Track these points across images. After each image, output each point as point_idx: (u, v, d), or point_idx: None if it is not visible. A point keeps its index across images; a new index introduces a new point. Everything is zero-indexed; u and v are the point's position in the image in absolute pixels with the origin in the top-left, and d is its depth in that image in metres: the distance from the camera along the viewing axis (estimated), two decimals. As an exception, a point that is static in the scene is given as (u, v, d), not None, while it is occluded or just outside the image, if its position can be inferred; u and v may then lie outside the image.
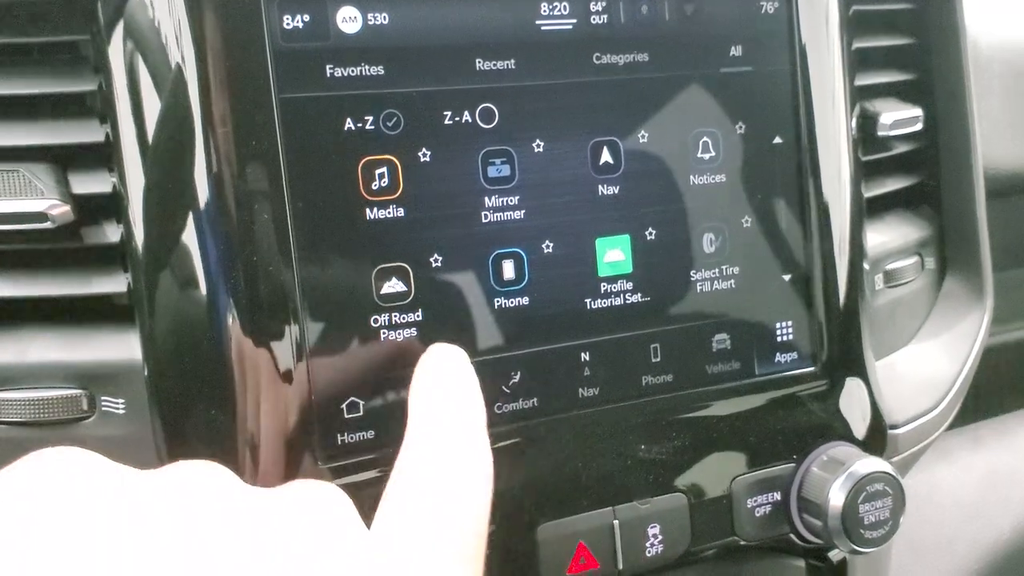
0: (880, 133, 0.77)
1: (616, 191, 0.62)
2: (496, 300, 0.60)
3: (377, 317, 0.57)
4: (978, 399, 1.04)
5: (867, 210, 0.77)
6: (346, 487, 0.56)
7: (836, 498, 0.64)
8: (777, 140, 0.66)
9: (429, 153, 0.58)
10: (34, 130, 0.56)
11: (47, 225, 0.55)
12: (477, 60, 0.58)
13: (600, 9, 0.61)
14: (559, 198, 0.61)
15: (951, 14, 0.82)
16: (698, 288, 0.65)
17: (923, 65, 0.83)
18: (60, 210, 0.55)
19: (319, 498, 0.44)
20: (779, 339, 0.67)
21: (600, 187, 0.62)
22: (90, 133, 0.57)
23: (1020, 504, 0.93)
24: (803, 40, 0.66)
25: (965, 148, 0.83)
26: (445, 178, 0.58)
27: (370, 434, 0.57)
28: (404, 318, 0.58)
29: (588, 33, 0.61)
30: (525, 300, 0.60)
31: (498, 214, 0.60)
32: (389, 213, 0.57)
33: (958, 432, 0.98)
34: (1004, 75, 0.95)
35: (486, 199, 0.59)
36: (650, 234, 0.63)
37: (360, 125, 0.56)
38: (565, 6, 0.60)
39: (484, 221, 0.59)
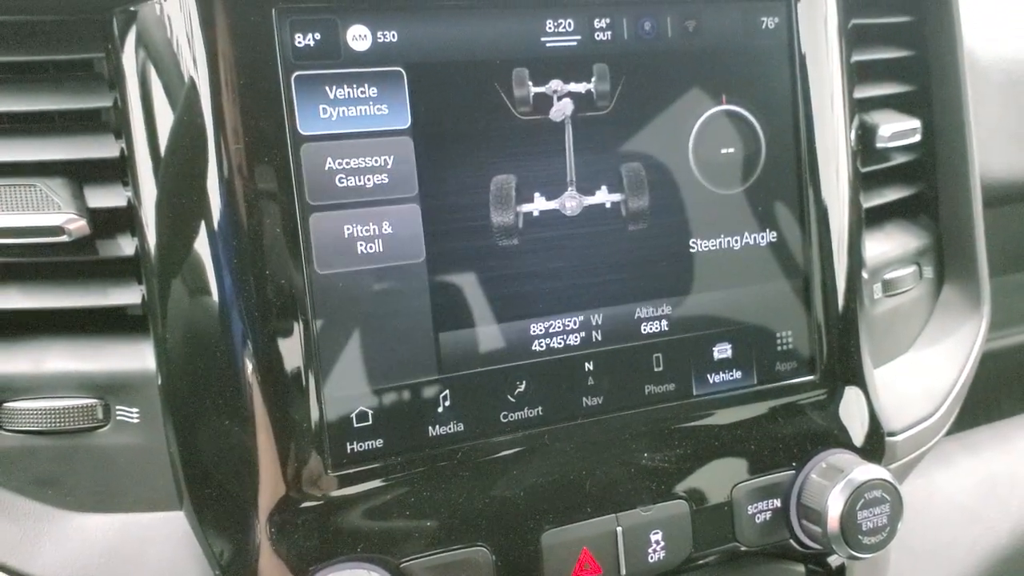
0: (879, 145, 0.78)
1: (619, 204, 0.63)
2: (503, 312, 0.61)
3: (386, 328, 0.58)
4: (976, 403, 1.05)
5: (866, 220, 0.78)
6: (355, 495, 0.57)
7: (835, 505, 0.65)
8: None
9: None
10: (51, 145, 0.58)
11: (63, 239, 0.56)
12: (483, 77, 0.60)
13: (604, 26, 0.62)
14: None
15: (949, 27, 0.83)
16: (700, 299, 0.66)
17: (921, 77, 0.84)
18: (76, 224, 0.56)
19: None
20: (779, 348, 0.68)
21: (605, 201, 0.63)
22: (105, 148, 0.58)
23: (1018, 508, 0.94)
24: (803, 54, 0.68)
25: (962, 159, 0.84)
26: (457, 190, 0.59)
27: (379, 443, 0.58)
28: (412, 329, 0.59)
29: (592, 49, 0.62)
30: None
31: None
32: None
33: (956, 437, 0.99)
34: (1002, 84, 0.96)
35: (492, 212, 0.60)
36: (653, 248, 0.64)
37: (370, 140, 0.58)
38: (570, 23, 0.61)
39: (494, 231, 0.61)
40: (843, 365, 0.70)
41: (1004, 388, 1.25)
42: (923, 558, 0.88)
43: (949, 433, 0.86)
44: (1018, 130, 0.96)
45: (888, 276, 0.80)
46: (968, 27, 0.87)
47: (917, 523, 0.90)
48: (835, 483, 0.66)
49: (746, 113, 0.66)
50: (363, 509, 0.58)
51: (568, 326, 0.63)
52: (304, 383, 0.56)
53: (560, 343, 0.63)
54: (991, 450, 0.97)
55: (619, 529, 0.63)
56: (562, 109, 0.61)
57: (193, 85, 0.54)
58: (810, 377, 0.69)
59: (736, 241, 0.67)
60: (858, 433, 0.71)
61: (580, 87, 0.62)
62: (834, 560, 0.74)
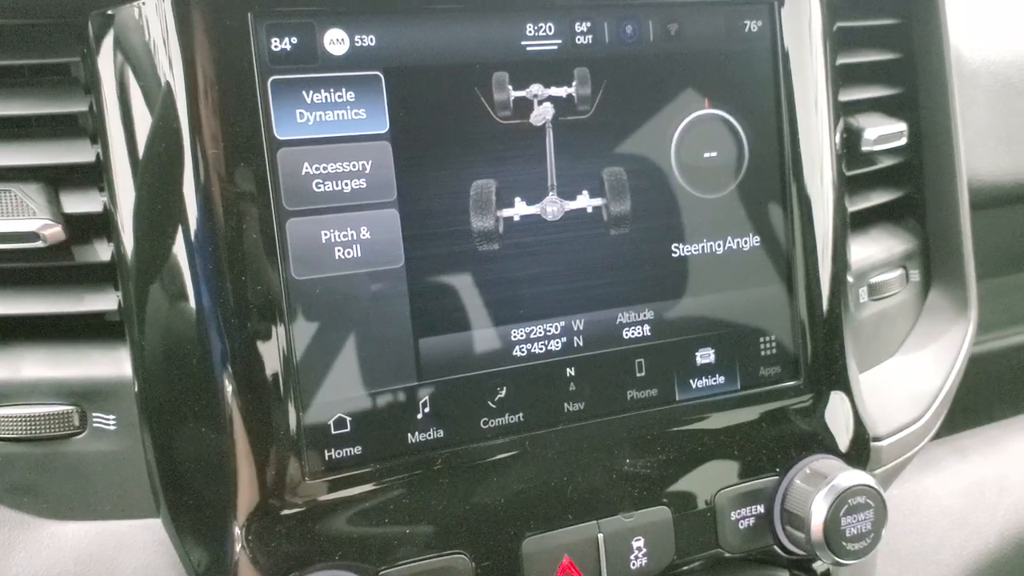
0: (864, 148, 0.77)
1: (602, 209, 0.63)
2: (483, 317, 0.61)
3: (364, 334, 0.58)
4: (967, 406, 1.05)
5: (852, 223, 0.78)
6: (333, 503, 0.57)
7: (818, 511, 0.65)
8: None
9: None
10: (26, 150, 0.57)
11: (39, 244, 0.56)
12: (463, 81, 0.59)
13: (585, 30, 0.62)
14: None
15: (935, 29, 0.83)
16: (682, 303, 0.66)
17: (908, 80, 0.84)
18: (52, 230, 0.56)
19: None
20: (763, 353, 0.68)
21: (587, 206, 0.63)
22: (81, 153, 0.57)
23: (1006, 512, 0.93)
24: (786, 57, 0.67)
25: (949, 162, 0.83)
26: (436, 195, 0.59)
27: (357, 450, 0.58)
28: (391, 335, 0.59)
29: (573, 53, 0.62)
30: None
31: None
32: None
33: (945, 441, 0.99)
34: (990, 87, 0.96)
35: (472, 216, 0.60)
36: (636, 252, 0.64)
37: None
38: (550, 27, 0.61)
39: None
40: (828, 370, 0.70)
41: (996, 391, 1.25)
42: (910, 562, 0.88)
43: (939, 436, 0.86)
44: (1006, 132, 0.96)
45: (874, 280, 0.80)
46: (956, 29, 0.87)
47: (905, 527, 0.90)
48: (819, 489, 0.65)
49: (729, 117, 0.66)
50: (341, 517, 0.57)
51: (549, 331, 0.62)
52: (281, 390, 0.56)
53: (541, 348, 0.62)
54: (979, 454, 0.97)
55: (601, 536, 0.62)
56: (543, 113, 0.61)
57: (169, 90, 0.54)
58: (794, 382, 0.69)
59: (719, 245, 0.66)
60: (843, 438, 0.70)
61: (561, 91, 0.61)
62: (819, 566, 0.73)
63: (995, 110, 0.95)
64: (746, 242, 0.67)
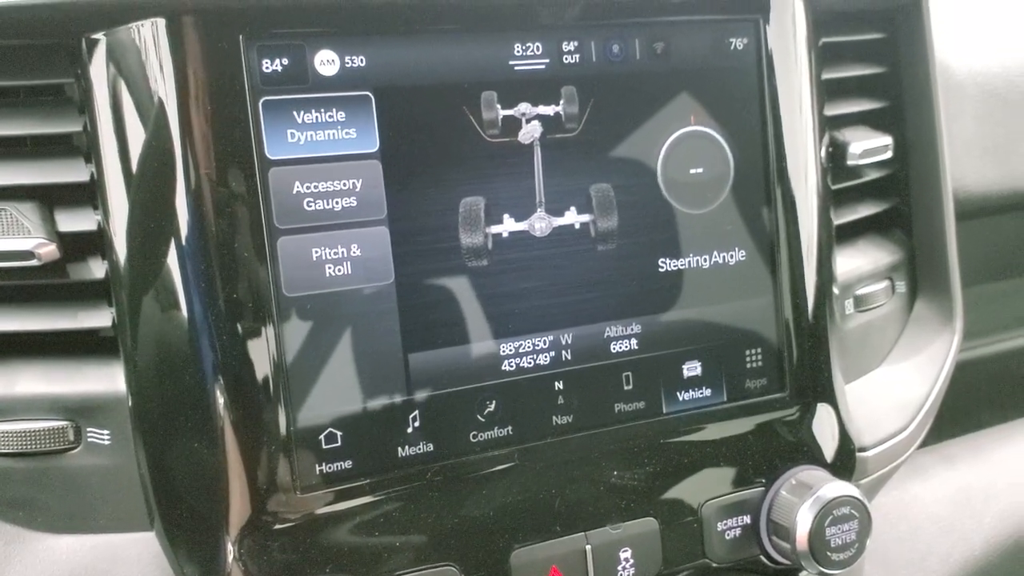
0: (850, 162, 0.78)
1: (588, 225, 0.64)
2: (473, 332, 0.61)
3: (355, 350, 0.59)
4: (956, 413, 1.06)
5: (839, 236, 0.78)
6: (323, 516, 0.58)
7: (803, 521, 0.66)
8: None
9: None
10: (21, 170, 0.58)
11: (34, 263, 0.57)
12: (451, 100, 0.60)
13: (572, 49, 0.63)
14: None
15: (920, 43, 0.83)
16: (669, 317, 0.66)
17: (893, 93, 0.85)
18: (47, 249, 0.57)
19: None
20: (748, 366, 0.69)
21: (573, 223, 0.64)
22: (75, 172, 0.58)
23: (992, 519, 0.94)
24: (772, 74, 0.68)
25: (935, 174, 0.84)
26: (426, 212, 0.60)
27: (348, 464, 0.59)
28: (381, 351, 0.59)
29: (561, 72, 0.62)
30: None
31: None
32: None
33: (932, 449, 0.99)
34: (976, 98, 0.97)
35: (462, 233, 0.61)
36: (623, 267, 0.65)
37: (338, 164, 0.58)
38: (538, 46, 0.62)
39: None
40: (813, 382, 0.71)
41: (984, 396, 1.26)
42: (898, 569, 0.89)
43: (926, 444, 0.87)
44: (993, 143, 0.97)
45: (860, 291, 0.81)
46: (943, 41, 0.88)
47: (893, 534, 0.91)
48: (804, 500, 0.66)
49: (715, 133, 0.67)
50: (332, 530, 0.58)
51: (538, 346, 0.63)
52: (273, 405, 0.57)
53: (530, 363, 0.63)
54: (966, 462, 0.98)
55: (588, 547, 0.63)
56: (531, 131, 0.62)
57: (162, 110, 0.55)
58: (780, 394, 0.70)
59: (705, 260, 0.67)
60: (828, 449, 0.71)
61: (549, 109, 0.62)
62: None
63: (982, 121, 0.96)
64: (732, 256, 0.68)
